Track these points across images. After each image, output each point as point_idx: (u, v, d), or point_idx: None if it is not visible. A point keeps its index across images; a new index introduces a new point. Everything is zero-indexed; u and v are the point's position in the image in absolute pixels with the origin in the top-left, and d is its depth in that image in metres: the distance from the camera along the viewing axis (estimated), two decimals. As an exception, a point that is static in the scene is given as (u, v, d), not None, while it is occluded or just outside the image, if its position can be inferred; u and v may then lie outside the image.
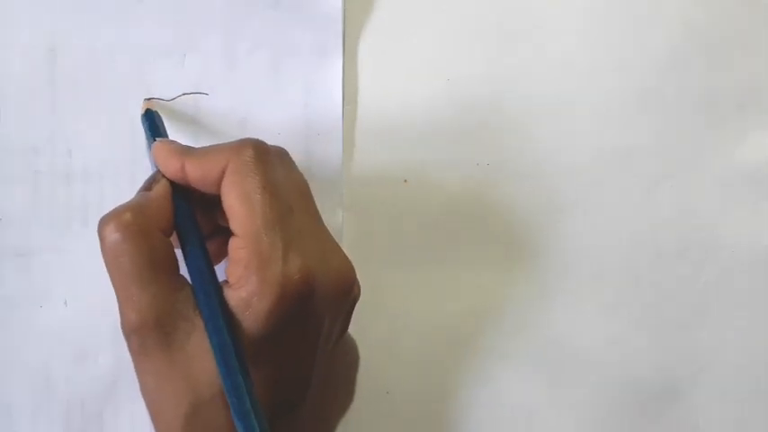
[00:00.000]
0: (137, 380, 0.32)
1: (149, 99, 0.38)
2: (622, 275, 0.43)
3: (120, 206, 0.32)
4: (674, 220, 0.44)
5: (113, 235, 0.31)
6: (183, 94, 0.39)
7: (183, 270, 0.32)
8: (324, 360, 0.34)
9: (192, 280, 0.32)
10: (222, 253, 0.35)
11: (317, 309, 0.32)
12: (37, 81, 0.38)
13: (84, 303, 0.38)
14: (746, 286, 0.44)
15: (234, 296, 0.31)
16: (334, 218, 0.40)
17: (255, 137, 0.38)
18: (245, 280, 0.31)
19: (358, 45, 0.41)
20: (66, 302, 0.38)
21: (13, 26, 0.38)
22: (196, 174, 0.32)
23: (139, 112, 0.38)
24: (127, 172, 0.39)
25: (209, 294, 0.31)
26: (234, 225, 0.31)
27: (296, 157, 0.36)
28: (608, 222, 0.43)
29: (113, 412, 0.38)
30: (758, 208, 0.44)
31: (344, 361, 0.38)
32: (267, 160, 0.32)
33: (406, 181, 0.42)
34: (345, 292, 0.33)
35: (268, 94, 0.40)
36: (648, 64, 0.44)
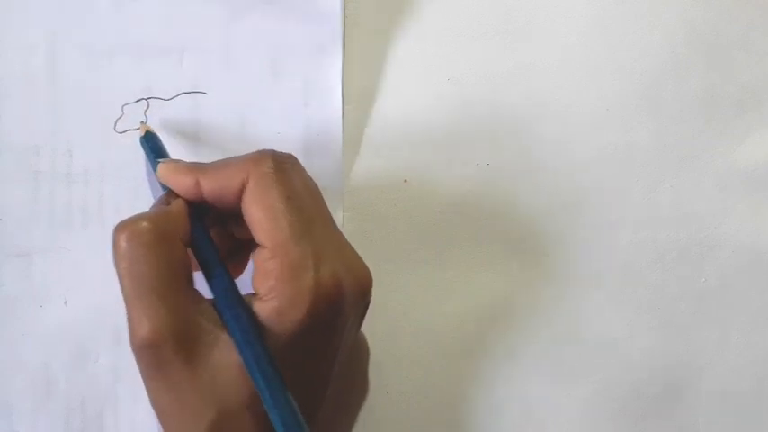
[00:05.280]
0: (147, 393, 0.32)
1: (144, 122, 0.38)
2: (622, 275, 0.43)
3: (138, 214, 0.31)
4: (674, 220, 0.44)
5: (131, 242, 0.30)
6: (182, 94, 0.39)
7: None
8: (342, 359, 0.34)
9: (215, 295, 0.32)
10: (235, 271, 0.35)
11: (344, 314, 0.32)
12: (37, 81, 0.38)
13: (84, 303, 0.38)
14: (746, 286, 0.44)
15: (265, 308, 0.30)
16: (335, 218, 0.40)
17: (255, 136, 0.38)
18: (277, 291, 0.30)
19: (358, 45, 0.41)
20: (66, 302, 0.38)
21: (13, 26, 0.38)
22: (213, 188, 0.32)
23: (138, 134, 0.38)
24: (127, 172, 0.39)
25: (237, 307, 0.31)
26: (260, 237, 0.31)
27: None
28: (608, 222, 0.43)
29: (113, 412, 0.38)
30: (758, 208, 0.44)
31: (358, 356, 0.39)
32: (287, 170, 0.32)
33: (406, 181, 0.42)
34: (365, 295, 0.34)
35: (267, 93, 0.40)
36: (648, 64, 0.44)
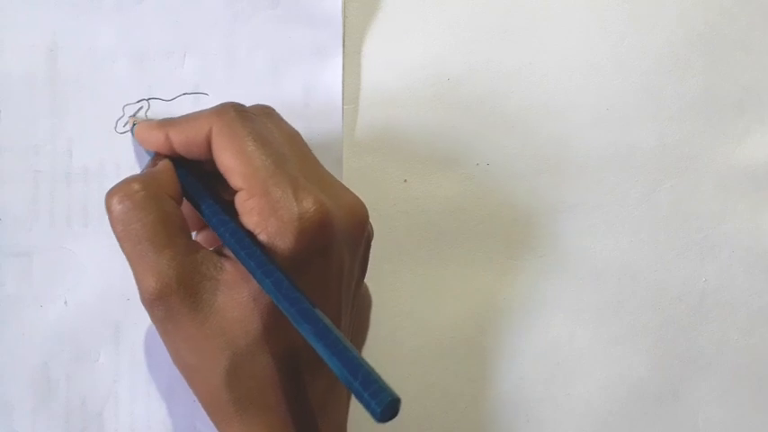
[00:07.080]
0: (168, 353, 0.33)
1: (133, 117, 0.39)
2: (622, 275, 0.43)
3: (127, 178, 0.32)
4: (674, 220, 0.44)
5: (122, 204, 0.31)
6: (183, 95, 0.39)
7: None
8: (348, 301, 0.34)
9: (219, 233, 0.32)
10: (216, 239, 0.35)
11: (337, 242, 0.32)
12: (37, 81, 0.38)
13: (84, 303, 0.38)
14: (746, 286, 0.44)
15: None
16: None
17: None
18: (262, 226, 0.31)
19: (358, 45, 0.41)
20: (66, 302, 0.38)
21: (13, 26, 0.38)
22: (180, 139, 0.33)
23: (129, 128, 0.38)
24: (127, 172, 0.39)
25: (242, 238, 0.31)
26: (235, 180, 0.32)
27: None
28: (608, 222, 0.43)
29: (113, 412, 0.38)
30: (758, 208, 0.44)
31: (362, 308, 0.39)
32: (249, 117, 0.33)
33: (406, 181, 0.42)
34: (361, 226, 0.34)
35: (268, 93, 0.40)
36: (648, 64, 0.44)
